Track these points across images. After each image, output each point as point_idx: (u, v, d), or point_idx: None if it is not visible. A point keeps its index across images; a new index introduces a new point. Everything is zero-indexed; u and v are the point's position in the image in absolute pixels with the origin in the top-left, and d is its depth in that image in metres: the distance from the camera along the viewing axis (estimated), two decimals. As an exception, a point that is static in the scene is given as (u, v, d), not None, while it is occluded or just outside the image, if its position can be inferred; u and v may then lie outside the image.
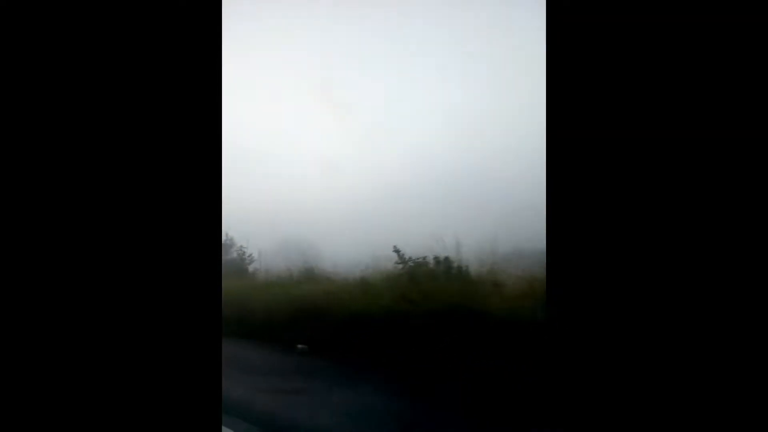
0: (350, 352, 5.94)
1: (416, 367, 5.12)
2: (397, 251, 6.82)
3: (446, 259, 6.56)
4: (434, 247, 6.65)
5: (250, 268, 12.19)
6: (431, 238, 6.76)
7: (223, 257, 12.17)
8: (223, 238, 12.39)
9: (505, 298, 5.20)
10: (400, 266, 6.80)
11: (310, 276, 8.65)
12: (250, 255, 12.40)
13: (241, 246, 12.44)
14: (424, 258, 6.71)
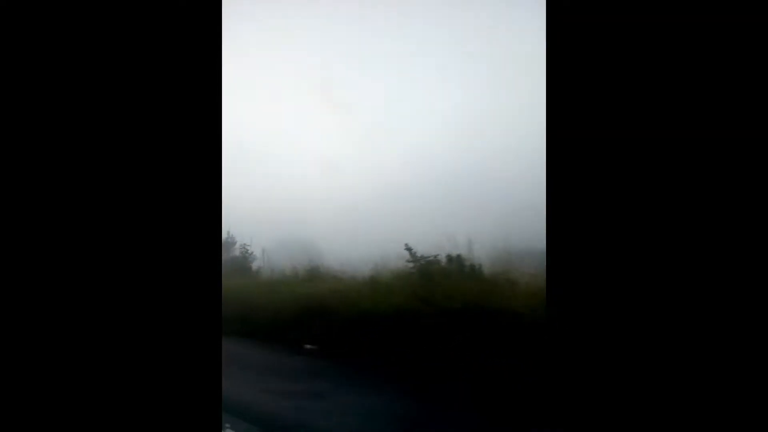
0: (362, 352, 5.79)
1: (435, 369, 4.97)
2: (408, 249, 6.64)
3: (458, 257, 6.41)
4: (442, 245, 6.53)
5: (254, 266, 12.02)
6: (438, 237, 6.66)
7: (226, 255, 12.09)
8: (225, 236, 12.33)
9: (523, 296, 5.10)
10: (411, 264, 6.60)
11: (315, 274, 8.50)
12: (252, 253, 12.23)
13: (244, 244, 12.28)
14: (436, 256, 6.55)
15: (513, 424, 3.68)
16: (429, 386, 4.68)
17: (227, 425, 3.49)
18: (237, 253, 12.28)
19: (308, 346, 6.41)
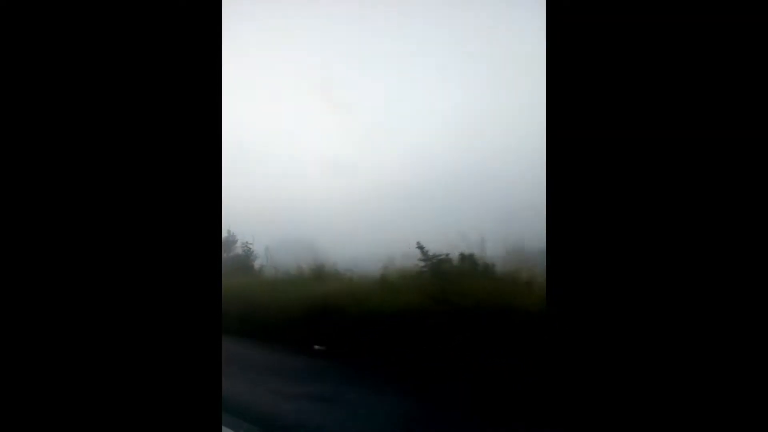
0: (376, 353, 5.57)
1: (453, 370, 4.75)
2: (420, 247, 6.41)
3: (471, 255, 6.23)
4: (451, 243, 6.39)
5: (256, 264, 11.74)
6: (442, 236, 6.52)
7: (228, 254, 12.03)
8: (226, 234, 12.26)
9: (540, 296, 4.89)
10: (423, 263, 6.38)
11: (320, 273, 8.29)
12: (254, 251, 11.94)
13: (247, 242, 11.96)
14: (447, 255, 6.35)
15: (528, 425, 3.58)
16: (449, 389, 4.51)
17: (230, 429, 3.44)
18: (239, 251, 12.05)
19: (317, 347, 6.25)
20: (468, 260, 6.24)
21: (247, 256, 11.83)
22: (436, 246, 6.45)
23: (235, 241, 12.31)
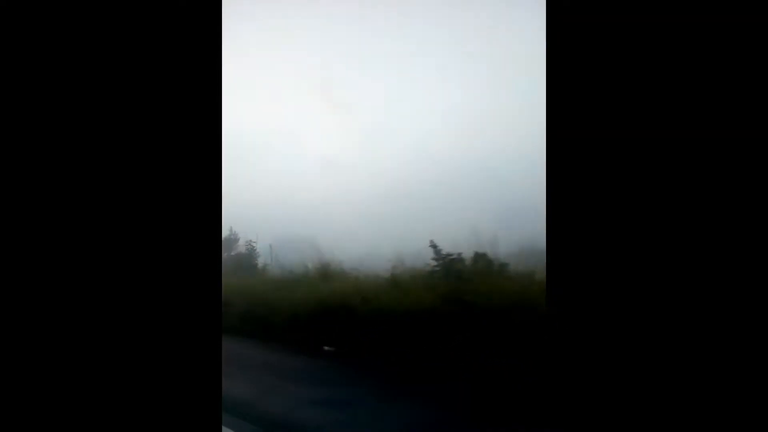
0: (389, 355, 5.31)
1: (475, 373, 4.49)
2: (433, 246, 6.18)
3: (483, 255, 6.01)
4: (458, 243, 6.21)
5: (259, 263, 11.56)
6: (457, 234, 6.35)
7: (231, 252, 11.97)
8: (228, 232, 12.18)
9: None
10: (435, 262, 6.15)
11: (327, 272, 8.06)
12: (256, 250, 11.77)
13: (250, 240, 11.81)
14: (460, 254, 6.15)
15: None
16: (468, 392, 4.31)
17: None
18: (242, 249, 11.92)
19: (327, 348, 6.07)
20: (482, 259, 6.03)
21: (251, 254, 11.69)
22: (444, 245, 6.29)
23: (237, 240, 12.22)
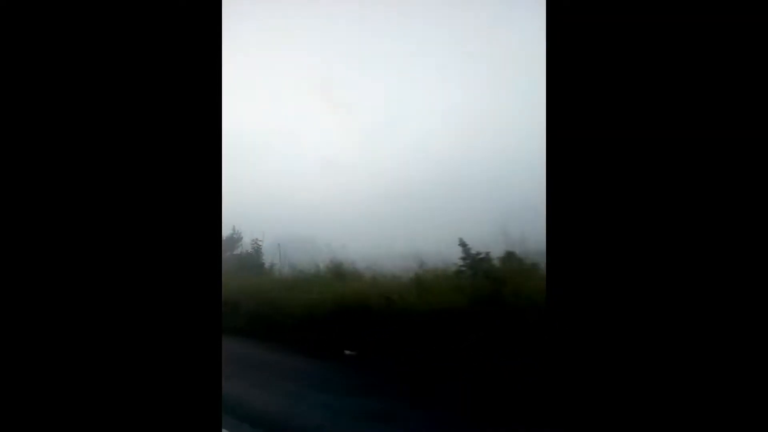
0: (419, 361, 4.91)
1: (513, 376, 4.15)
2: (462, 245, 5.90)
3: (513, 254, 5.81)
4: (475, 242, 6.01)
5: (266, 262, 11.23)
6: (483, 233, 6.12)
7: (232, 251, 11.82)
8: (230, 231, 12.04)
9: None
10: (462, 262, 5.89)
11: (338, 271, 7.79)
12: (262, 249, 11.46)
13: (256, 239, 11.42)
14: (488, 253, 5.94)
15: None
16: (518, 399, 3.92)
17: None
18: (248, 248, 11.60)
19: (348, 352, 5.74)
20: (513, 259, 5.82)
21: (257, 253, 11.35)
22: (451, 245, 6.12)
23: (240, 239, 12.06)
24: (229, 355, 5.18)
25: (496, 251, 6.11)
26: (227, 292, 7.29)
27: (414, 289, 5.89)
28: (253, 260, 11.17)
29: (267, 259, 11.25)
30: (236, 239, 12.04)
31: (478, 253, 5.97)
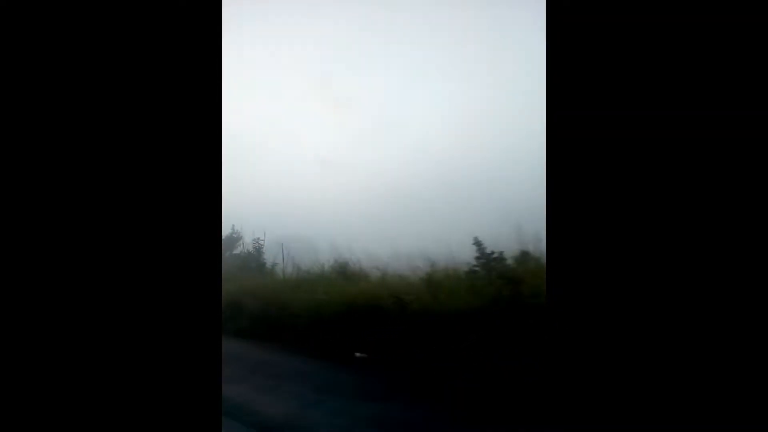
0: (437, 365, 4.68)
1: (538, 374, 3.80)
2: (477, 243, 5.73)
3: (527, 253, 5.63)
4: (488, 242, 5.82)
5: (268, 262, 10.82)
6: (500, 234, 5.91)
7: (234, 251, 11.71)
8: (230, 230, 11.95)
9: None
10: (475, 261, 5.71)
11: (344, 271, 7.56)
12: (263, 248, 11.07)
13: (258, 238, 11.04)
14: (501, 253, 5.76)
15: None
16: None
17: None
18: (248, 248, 11.23)
19: (359, 354, 5.54)
20: (529, 258, 5.64)
21: (258, 253, 11.04)
22: (452, 244, 6.04)
23: (239, 238, 11.93)
24: (233, 357, 5.18)
25: (507, 251, 5.98)
26: (230, 292, 7.26)
27: (427, 289, 5.69)
28: (254, 260, 10.93)
29: (269, 258, 11.11)
30: (236, 238, 11.96)
31: (492, 253, 5.83)
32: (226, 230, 11.80)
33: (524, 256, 5.64)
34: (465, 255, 6.03)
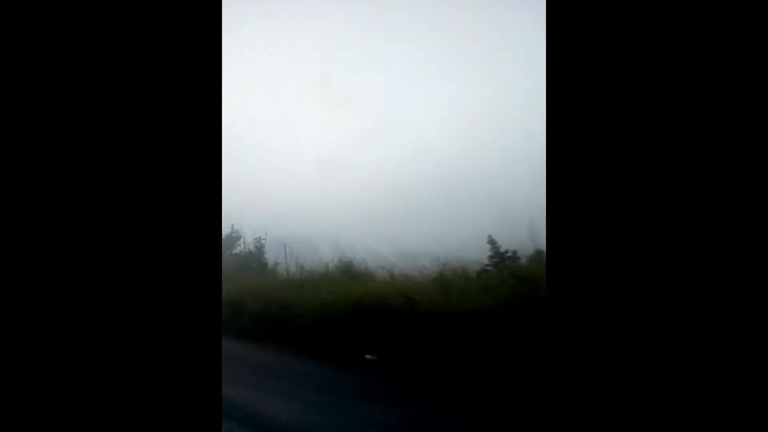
0: (457, 368, 4.53)
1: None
2: (492, 242, 5.61)
3: (542, 252, 5.39)
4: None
5: (269, 262, 10.66)
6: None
7: (234, 250, 11.65)
8: (229, 230, 11.89)
9: None
10: (488, 261, 5.62)
11: (349, 271, 7.43)
12: (265, 248, 10.92)
13: (259, 237, 10.89)
14: (515, 252, 5.67)
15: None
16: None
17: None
18: (249, 247, 11.10)
19: (369, 357, 5.36)
20: (543, 258, 5.30)
21: (259, 252, 10.91)
22: (453, 245, 5.96)
23: (239, 237, 11.88)
24: (238, 360, 5.11)
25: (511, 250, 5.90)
26: (231, 292, 7.17)
27: (437, 289, 5.54)
28: (255, 259, 10.80)
29: (270, 257, 11.02)
30: (235, 238, 11.92)
31: (506, 251, 5.74)
32: (225, 230, 11.74)
33: (538, 255, 5.44)
34: (470, 254, 5.96)
